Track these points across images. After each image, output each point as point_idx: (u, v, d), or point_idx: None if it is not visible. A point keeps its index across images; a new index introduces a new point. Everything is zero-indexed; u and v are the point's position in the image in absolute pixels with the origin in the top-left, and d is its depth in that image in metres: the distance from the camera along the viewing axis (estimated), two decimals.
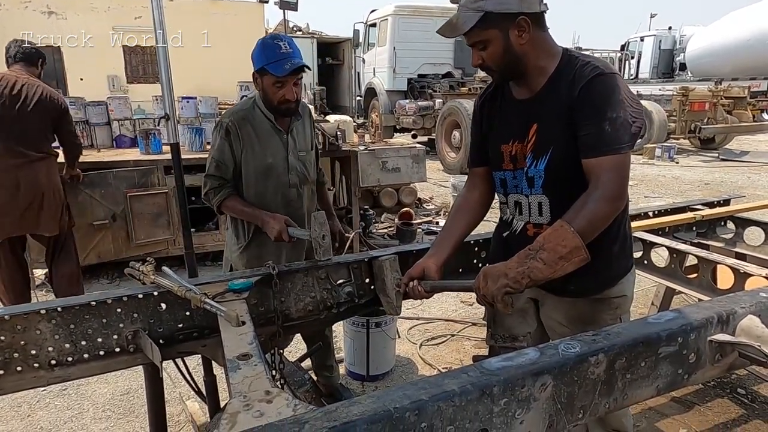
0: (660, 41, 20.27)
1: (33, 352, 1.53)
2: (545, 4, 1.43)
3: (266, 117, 2.11)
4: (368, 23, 12.62)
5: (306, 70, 2.03)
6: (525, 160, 1.50)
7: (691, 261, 2.43)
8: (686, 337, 1.29)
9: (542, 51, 1.44)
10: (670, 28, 20.93)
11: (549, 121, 1.44)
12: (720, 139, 11.90)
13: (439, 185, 8.40)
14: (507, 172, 1.56)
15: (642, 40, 20.73)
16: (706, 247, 2.66)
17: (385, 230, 5.81)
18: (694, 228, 2.81)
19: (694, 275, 2.35)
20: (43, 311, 1.53)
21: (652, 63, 20.06)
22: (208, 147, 4.84)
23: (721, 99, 11.42)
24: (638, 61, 20.32)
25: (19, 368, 1.53)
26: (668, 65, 20.37)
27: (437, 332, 3.49)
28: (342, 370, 2.97)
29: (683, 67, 19.22)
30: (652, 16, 27.35)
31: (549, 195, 1.49)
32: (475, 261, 2.22)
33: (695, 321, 1.31)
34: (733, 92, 11.97)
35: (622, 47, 20.65)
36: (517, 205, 1.59)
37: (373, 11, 12.49)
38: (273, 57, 1.95)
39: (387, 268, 1.74)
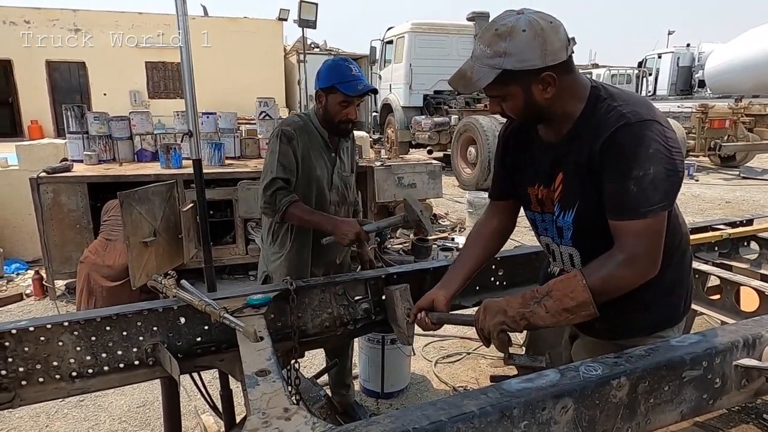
0: (678, 58, 20.14)
1: (55, 363, 1.56)
2: (572, 41, 1.26)
3: (319, 133, 2.16)
4: (385, 40, 12.77)
5: (374, 93, 2.13)
6: (553, 206, 1.39)
7: (713, 282, 2.38)
8: (711, 361, 1.26)
9: (569, 97, 1.29)
10: (688, 45, 20.81)
11: (574, 172, 1.31)
12: (741, 156, 11.71)
13: (454, 201, 8.38)
14: (536, 214, 1.47)
15: (660, 57, 20.62)
16: (729, 268, 2.61)
17: (401, 246, 5.80)
18: (716, 248, 2.76)
19: (717, 297, 2.31)
20: (66, 323, 1.55)
21: (670, 80, 19.92)
22: (227, 162, 4.97)
23: (742, 116, 11.26)
24: (656, 78, 20.19)
25: (41, 379, 1.55)
26: (687, 82, 20.21)
27: (453, 350, 3.45)
28: (356, 386, 2.96)
29: (702, 84, 19.04)
30: (669, 34, 27.32)
31: (579, 248, 1.38)
32: (492, 279, 2.20)
33: (720, 345, 1.29)
34: (754, 109, 11.80)
35: (640, 64, 20.55)
36: (549, 250, 1.50)
37: (390, 29, 12.65)
38: (345, 77, 2.03)
39: (397, 298, 1.72)
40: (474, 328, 1.42)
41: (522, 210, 1.59)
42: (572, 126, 1.31)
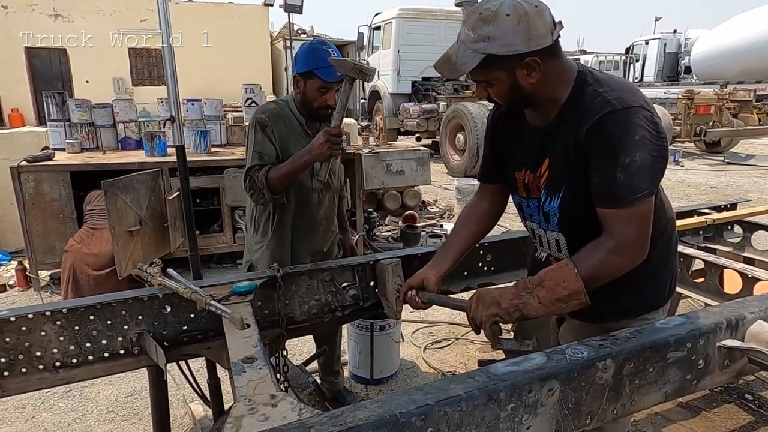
0: (665, 44, 20.22)
1: (38, 353, 1.53)
2: (559, 25, 1.24)
3: (297, 119, 2.11)
4: (372, 26, 12.65)
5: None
6: (539, 192, 1.39)
7: (697, 265, 2.41)
8: (695, 343, 1.28)
9: (555, 82, 1.28)
10: (675, 31, 20.90)
11: (560, 158, 1.31)
12: (725, 142, 11.85)
13: (443, 188, 8.39)
14: (522, 198, 1.48)
15: (647, 43, 20.69)
16: (713, 252, 2.64)
17: (389, 233, 5.80)
18: (700, 232, 2.79)
19: (701, 280, 2.34)
20: (48, 313, 1.52)
21: (656, 66, 20.01)
22: (213, 149, 4.90)
23: (727, 102, 11.36)
24: (643, 65, 20.27)
25: (23, 370, 1.53)
26: (673, 68, 20.32)
27: (441, 335, 3.47)
28: (346, 373, 2.97)
29: (688, 70, 19.16)
30: (656, 20, 27.40)
31: (565, 234, 1.39)
32: (480, 264, 2.21)
33: (704, 326, 1.30)
34: (738, 95, 11.91)
35: (627, 50, 20.61)
36: (535, 235, 1.51)
37: (377, 14, 12.53)
38: (323, 62, 1.95)
39: (389, 273, 1.73)
40: (462, 312, 1.43)
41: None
42: (558, 111, 1.31)
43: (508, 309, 1.28)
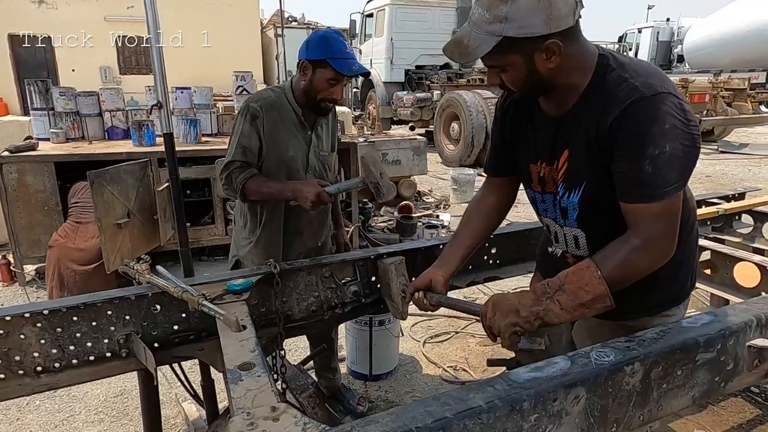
0: (658, 33, 20.17)
1: (17, 358, 1.43)
2: (580, 5, 1.13)
3: (293, 110, 1.98)
4: (365, 13, 12.46)
5: (367, 76, 1.97)
6: (555, 186, 1.30)
7: (704, 256, 2.34)
8: (725, 343, 1.20)
9: (575, 67, 1.18)
10: (668, 19, 20.84)
11: (581, 149, 1.21)
12: (719, 131, 11.83)
13: (437, 178, 8.28)
14: (536, 193, 1.38)
15: (640, 31, 20.64)
16: (722, 242, 2.57)
17: (385, 224, 5.70)
18: (708, 222, 2.72)
19: (708, 271, 2.26)
20: (27, 314, 1.42)
21: (649, 55, 19.95)
22: (204, 139, 4.76)
23: (721, 91, 11.33)
24: (636, 53, 20.20)
25: (2, 376, 1.42)
26: (666, 57, 20.28)
27: (441, 329, 3.39)
28: (343, 369, 2.88)
29: (681, 58, 19.12)
30: (649, 8, 27.28)
31: (585, 229, 1.30)
32: (485, 258, 2.12)
33: (734, 325, 1.23)
34: (733, 84, 11.87)
35: (620, 39, 20.55)
36: (551, 231, 1.42)
37: (369, 1, 12.32)
38: (339, 53, 1.84)
39: (393, 273, 1.64)
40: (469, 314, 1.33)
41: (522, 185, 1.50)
42: (578, 99, 1.21)
43: (528, 317, 1.18)
